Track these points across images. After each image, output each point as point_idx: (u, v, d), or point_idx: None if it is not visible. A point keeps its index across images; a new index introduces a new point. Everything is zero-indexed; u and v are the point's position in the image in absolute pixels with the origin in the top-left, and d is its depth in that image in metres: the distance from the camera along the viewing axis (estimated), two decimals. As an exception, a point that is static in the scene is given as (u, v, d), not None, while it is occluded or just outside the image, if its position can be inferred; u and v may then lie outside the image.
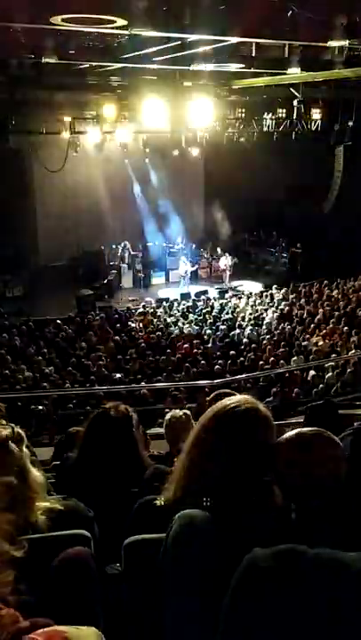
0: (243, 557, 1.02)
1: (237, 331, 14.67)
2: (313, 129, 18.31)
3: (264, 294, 18.48)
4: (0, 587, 1.03)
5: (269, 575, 0.96)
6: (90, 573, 1.64)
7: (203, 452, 1.56)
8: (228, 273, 21.31)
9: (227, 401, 1.59)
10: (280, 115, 18.09)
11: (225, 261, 21.28)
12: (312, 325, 14.51)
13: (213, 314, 16.29)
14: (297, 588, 0.93)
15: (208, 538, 1.38)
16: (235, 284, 21.05)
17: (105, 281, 19.45)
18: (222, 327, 14.88)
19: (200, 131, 18.74)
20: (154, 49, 9.99)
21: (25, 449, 1.72)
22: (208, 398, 3.50)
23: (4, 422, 1.74)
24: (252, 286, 20.52)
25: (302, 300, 17.06)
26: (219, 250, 21.86)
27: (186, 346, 13.68)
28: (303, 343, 13.38)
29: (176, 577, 1.37)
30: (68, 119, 17.30)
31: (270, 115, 18.50)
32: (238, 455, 1.48)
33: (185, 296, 18.80)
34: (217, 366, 12.03)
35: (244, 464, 1.47)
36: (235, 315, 16.15)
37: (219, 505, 1.45)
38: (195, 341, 14.05)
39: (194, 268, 21.08)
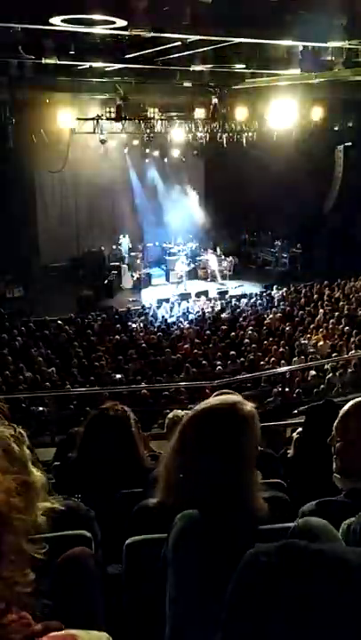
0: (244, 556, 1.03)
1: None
2: (313, 130, 18.33)
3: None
4: (21, 587, 1.03)
5: (271, 570, 0.96)
6: (91, 574, 1.64)
7: (185, 453, 1.56)
8: (227, 273, 21.32)
9: (208, 401, 1.60)
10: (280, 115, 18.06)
11: (218, 261, 21.29)
12: (312, 326, 14.52)
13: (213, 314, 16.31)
14: (299, 584, 0.93)
15: (210, 538, 1.38)
16: (234, 283, 21.04)
17: (105, 281, 19.46)
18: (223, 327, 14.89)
19: (200, 131, 18.81)
20: (154, 49, 10.00)
21: (26, 449, 1.72)
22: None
23: (6, 422, 1.75)
24: (253, 286, 20.53)
25: (302, 300, 17.07)
26: (218, 250, 21.86)
27: (186, 346, 13.67)
28: (303, 342, 13.38)
29: (177, 577, 1.38)
30: (68, 119, 17.29)
31: (270, 115, 18.48)
32: (219, 454, 1.48)
33: (185, 296, 18.81)
34: (218, 367, 12.03)
35: (226, 463, 1.47)
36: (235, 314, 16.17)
37: (213, 505, 1.45)
38: (195, 341, 14.07)
39: (190, 268, 21.04)
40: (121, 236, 21.13)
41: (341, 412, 2.04)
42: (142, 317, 16.20)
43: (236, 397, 1.61)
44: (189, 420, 1.59)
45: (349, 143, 19.45)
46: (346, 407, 2.02)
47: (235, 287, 20.42)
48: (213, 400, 1.58)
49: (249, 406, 1.56)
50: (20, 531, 1.06)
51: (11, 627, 0.98)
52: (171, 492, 1.58)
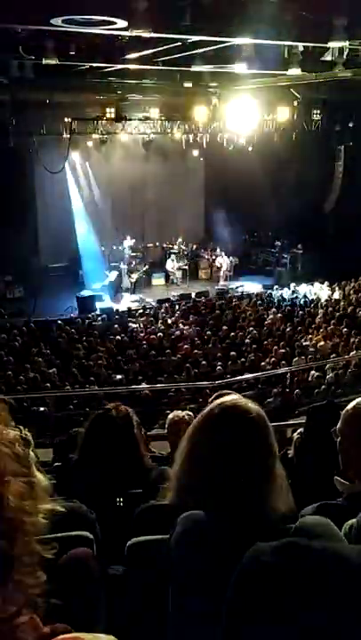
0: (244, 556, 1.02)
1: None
2: (314, 130, 18.34)
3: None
4: (32, 589, 1.03)
5: (271, 569, 0.96)
6: (92, 575, 1.64)
7: (194, 454, 1.56)
8: (227, 274, 21.33)
9: (216, 402, 1.59)
10: (281, 115, 18.09)
11: (222, 261, 21.31)
12: (313, 326, 14.52)
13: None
14: (299, 582, 0.93)
15: (211, 539, 1.38)
16: (234, 284, 21.02)
17: (105, 282, 19.44)
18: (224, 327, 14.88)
19: (200, 131, 18.82)
20: (154, 50, 10.00)
21: (31, 452, 1.72)
22: (210, 399, 3.49)
23: (12, 424, 1.75)
24: (253, 286, 20.52)
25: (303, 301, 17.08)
26: (218, 250, 21.88)
27: (186, 347, 13.66)
28: (304, 344, 13.38)
29: (179, 578, 1.37)
30: (68, 120, 17.31)
31: (271, 115, 18.50)
32: (228, 456, 1.47)
33: (185, 296, 18.81)
34: (218, 367, 12.02)
35: (236, 464, 1.47)
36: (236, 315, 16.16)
37: (219, 506, 1.45)
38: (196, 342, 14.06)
39: (184, 265, 21.02)
40: (124, 237, 21.09)
41: (344, 412, 2.03)
42: (143, 318, 16.19)
43: (242, 398, 1.61)
44: (198, 421, 1.58)
45: (350, 144, 19.44)
46: (348, 407, 2.02)
47: (236, 287, 20.43)
48: (220, 401, 1.58)
49: (256, 406, 1.55)
50: (30, 533, 1.07)
51: (20, 629, 0.98)
52: (185, 492, 1.57)
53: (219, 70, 12.18)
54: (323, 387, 10.54)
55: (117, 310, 17.18)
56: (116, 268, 20.28)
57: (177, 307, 17.38)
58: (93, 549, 1.79)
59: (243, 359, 12.62)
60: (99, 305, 17.93)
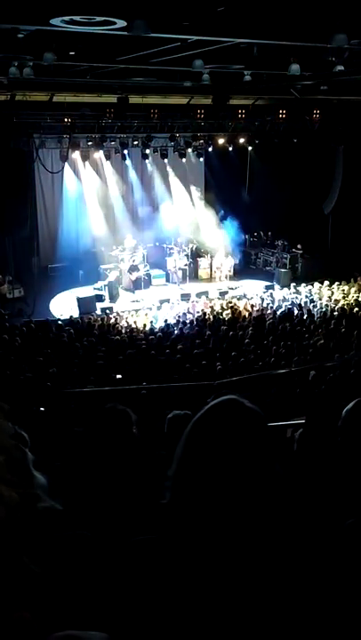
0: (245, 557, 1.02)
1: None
2: (314, 130, 18.36)
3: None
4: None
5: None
6: (91, 573, 1.64)
7: (191, 453, 1.56)
8: (228, 274, 21.35)
9: (214, 401, 1.59)
10: (281, 115, 18.11)
11: (222, 261, 21.34)
12: (313, 326, 14.52)
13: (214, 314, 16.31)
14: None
15: (210, 538, 1.38)
16: (235, 284, 21.03)
17: (105, 282, 19.43)
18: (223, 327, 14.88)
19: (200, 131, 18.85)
20: (154, 49, 10.01)
21: (27, 451, 1.72)
22: (208, 399, 3.49)
23: (8, 424, 1.75)
24: (253, 287, 20.53)
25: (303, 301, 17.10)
26: (218, 250, 21.86)
27: (180, 346, 13.63)
28: (303, 343, 13.38)
29: (178, 577, 1.37)
30: (68, 120, 17.31)
31: (271, 115, 18.53)
32: (225, 455, 1.47)
33: (185, 296, 18.82)
34: (218, 366, 12.02)
35: (233, 464, 1.47)
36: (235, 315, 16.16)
37: (219, 504, 1.45)
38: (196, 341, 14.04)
39: (184, 265, 21.01)
40: (121, 237, 21.09)
41: (345, 411, 2.04)
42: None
43: (240, 398, 1.61)
44: (197, 421, 1.59)
45: (349, 143, 19.47)
46: (349, 406, 2.03)
47: (234, 288, 20.44)
48: (218, 400, 1.58)
49: (255, 406, 1.55)
50: None
51: (14, 626, 0.99)
52: (179, 494, 1.58)
53: (219, 70, 12.20)
54: (323, 387, 10.53)
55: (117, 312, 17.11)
56: (116, 268, 20.27)
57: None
58: (92, 548, 1.80)
59: (242, 359, 12.61)
60: (99, 305, 17.95)
